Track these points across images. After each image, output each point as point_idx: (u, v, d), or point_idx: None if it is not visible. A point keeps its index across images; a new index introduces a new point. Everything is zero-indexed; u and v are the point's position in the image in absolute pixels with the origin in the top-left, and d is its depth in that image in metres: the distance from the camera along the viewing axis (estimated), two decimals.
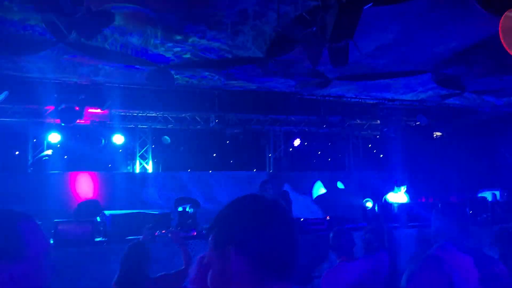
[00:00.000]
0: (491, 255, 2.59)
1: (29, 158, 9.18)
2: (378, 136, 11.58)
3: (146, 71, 6.86)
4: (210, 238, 1.12)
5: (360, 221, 7.36)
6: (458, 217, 2.58)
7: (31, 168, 9.12)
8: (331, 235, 3.68)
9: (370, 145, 11.98)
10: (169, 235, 4.20)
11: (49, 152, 8.88)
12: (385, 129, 10.40)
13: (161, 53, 6.16)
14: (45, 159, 8.78)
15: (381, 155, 11.90)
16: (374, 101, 9.72)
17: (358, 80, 7.81)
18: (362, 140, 11.64)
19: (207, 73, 7.28)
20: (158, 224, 6.17)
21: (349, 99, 9.70)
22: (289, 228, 1.09)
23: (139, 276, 3.62)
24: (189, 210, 6.75)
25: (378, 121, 10.63)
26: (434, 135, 11.53)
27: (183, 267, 3.81)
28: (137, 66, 6.75)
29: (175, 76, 7.15)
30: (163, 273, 3.74)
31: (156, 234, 4.33)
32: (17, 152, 9.47)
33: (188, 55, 6.32)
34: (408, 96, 9.38)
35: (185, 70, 7.04)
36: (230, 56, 6.24)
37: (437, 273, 2.34)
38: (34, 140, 9.29)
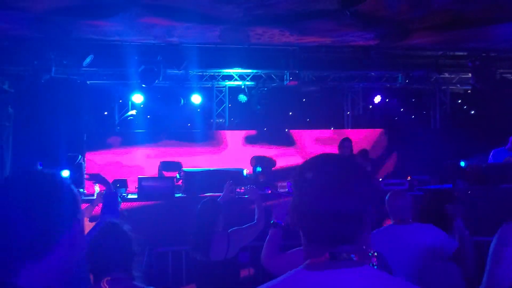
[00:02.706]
0: None
1: (116, 118, 9.78)
2: (469, 91, 10.66)
3: (218, 30, 6.85)
4: None
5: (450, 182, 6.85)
6: None
7: (118, 127, 9.72)
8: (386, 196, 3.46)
9: (460, 101, 11.08)
10: (248, 191, 4.35)
11: (134, 112, 9.37)
12: (478, 83, 9.51)
13: (231, 10, 6.09)
14: (130, 118, 9.29)
15: (472, 112, 10.99)
16: (464, 53, 8.88)
17: (444, 30, 7.14)
18: (450, 95, 10.78)
19: (278, 30, 7.09)
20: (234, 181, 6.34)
21: (434, 52, 8.97)
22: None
23: (212, 229, 3.76)
24: (259, 169, 6.83)
25: (469, 75, 9.75)
26: None
27: (255, 221, 3.92)
28: (209, 25, 6.75)
29: (248, 33, 7.07)
30: (235, 227, 3.84)
31: (237, 190, 4.49)
32: (106, 113, 10.11)
33: (259, 11, 6.18)
34: (503, 46, 8.44)
35: (257, 27, 6.92)
36: (301, 11, 5.99)
37: None
38: (120, 101, 9.84)
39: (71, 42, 7.46)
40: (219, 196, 4.51)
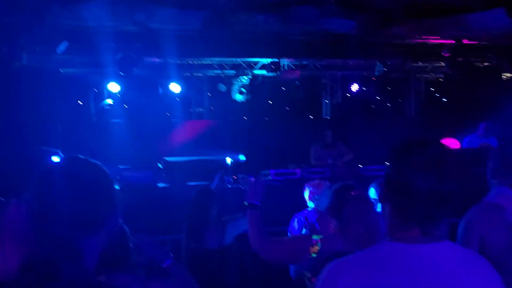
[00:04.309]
0: None
1: (91, 107, 9.50)
2: (441, 79, 10.91)
3: (201, 16, 6.73)
4: None
5: None
6: None
7: (95, 118, 9.45)
8: None
9: (433, 89, 11.33)
10: (239, 180, 4.31)
11: (110, 101, 9.12)
12: (450, 71, 9.76)
13: None
14: (107, 107, 9.05)
15: (444, 100, 11.27)
16: (440, 42, 9.08)
17: (424, 17, 7.26)
18: (424, 84, 11.02)
19: (262, 17, 7.04)
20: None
21: (411, 40, 9.13)
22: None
23: (207, 217, 3.74)
24: (242, 158, 6.84)
25: (443, 63, 9.98)
26: (504, 77, 10.71)
27: None
28: (192, 11, 6.63)
29: (231, 20, 6.99)
30: (230, 216, 3.83)
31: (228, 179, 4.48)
32: (80, 102, 9.79)
33: None
34: (478, 35, 8.67)
35: (241, 14, 6.84)
36: None
37: (497, 223, 2.20)
38: (95, 90, 9.55)
39: (44, 28, 7.15)
40: (211, 184, 4.47)
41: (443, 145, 1.28)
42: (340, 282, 1.17)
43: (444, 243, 1.24)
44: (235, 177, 4.42)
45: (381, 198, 1.31)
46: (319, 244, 2.26)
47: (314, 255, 2.22)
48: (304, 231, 4.05)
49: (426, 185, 1.19)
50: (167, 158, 7.12)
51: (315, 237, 2.31)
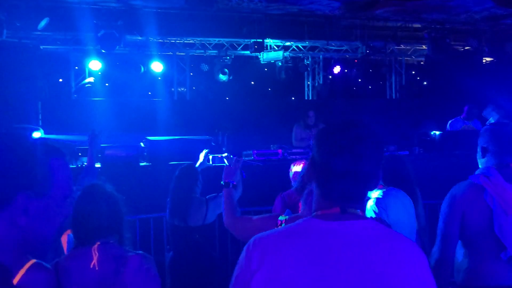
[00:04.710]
0: None
1: (72, 85, 9.36)
2: (422, 63, 11.05)
3: None
4: None
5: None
6: (508, 138, 2.31)
7: (75, 95, 9.32)
8: None
9: (413, 72, 11.48)
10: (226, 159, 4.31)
11: (91, 79, 9.00)
12: (433, 54, 9.87)
13: None
14: (88, 86, 8.92)
15: (425, 83, 11.44)
16: (422, 24, 9.16)
17: (408, 0, 7.31)
18: (405, 66, 11.15)
19: None
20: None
21: (394, 23, 9.19)
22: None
23: (190, 195, 3.77)
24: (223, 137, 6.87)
25: (423, 46, 10.09)
26: (484, 61, 10.89)
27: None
28: None
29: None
30: (213, 194, 3.85)
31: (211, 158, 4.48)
32: (60, 80, 9.63)
33: None
34: (461, 18, 8.77)
35: None
36: None
37: (477, 203, 2.22)
38: (76, 67, 9.40)
39: (25, 3, 6.98)
40: (195, 163, 4.49)
41: (365, 126, 1.30)
42: (254, 254, 1.22)
43: (366, 221, 1.26)
44: (220, 156, 4.43)
45: (307, 177, 1.34)
46: (283, 225, 2.23)
47: (258, 234, 2.26)
48: (286, 211, 4.12)
49: (341, 165, 1.23)
50: (150, 138, 7.09)
51: (281, 218, 2.30)
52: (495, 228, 2.14)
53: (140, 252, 2.30)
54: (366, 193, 1.32)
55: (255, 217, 2.52)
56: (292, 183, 4.32)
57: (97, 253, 2.21)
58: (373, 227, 1.25)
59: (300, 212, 2.46)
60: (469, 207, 2.25)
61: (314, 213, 1.28)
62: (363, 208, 1.30)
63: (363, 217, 1.26)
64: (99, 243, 2.21)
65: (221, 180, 2.74)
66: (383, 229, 1.27)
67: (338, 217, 1.23)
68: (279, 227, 2.15)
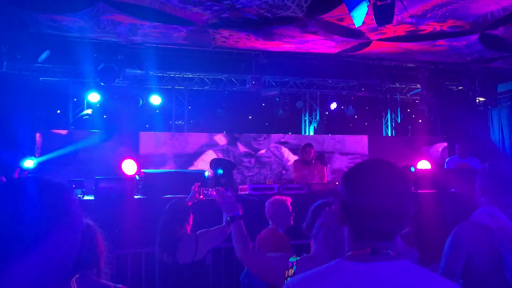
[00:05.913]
0: None
1: (70, 117, 9.42)
2: (417, 101, 11.19)
3: (185, 31, 6.79)
4: None
5: None
6: (507, 177, 2.23)
7: (72, 127, 9.37)
8: None
9: (408, 110, 11.62)
10: (215, 193, 4.25)
11: (89, 111, 9.06)
12: (426, 93, 10.03)
13: (200, 12, 6.07)
14: (85, 118, 8.98)
15: (420, 121, 11.53)
16: (416, 64, 9.36)
17: (402, 41, 7.49)
18: (401, 104, 11.31)
19: (245, 33, 7.15)
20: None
21: (389, 62, 9.38)
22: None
23: (180, 230, 3.72)
24: (220, 171, 6.83)
25: (419, 85, 10.26)
26: (477, 101, 11.05)
27: (224, 224, 3.77)
28: (176, 26, 6.69)
29: (214, 36, 7.07)
30: (203, 230, 3.81)
31: (202, 191, 4.42)
32: (58, 111, 9.70)
33: (226, 14, 6.21)
34: (453, 59, 8.97)
35: (223, 30, 6.93)
36: (269, 16, 6.07)
37: (484, 244, 2.12)
38: (75, 99, 9.48)
39: (27, 36, 7.10)
40: (186, 197, 4.46)
41: (392, 165, 1.33)
42: None
43: (398, 262, 1.25)
44: (211, 190, 4.39)
45: (340, 221, 1.36)
46: (294, 267, 2.24)
47: (289, 279, 2.22)
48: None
49: (370, 203, 1.26)
50: (145, 170, 7.08)
51: (291, 259, 2.29)
52: (505, 271, 2.05)
53: (120, 285, 2.27)
54: (397, 233, 1.32)
55: (267, 254, 2.50)
56: (270, 221, 4.13)
57: (75, 285, 2.20)
58: (407, 268, 1.24)
59: (311, 250, 2.42)
60: (475, 249, 2.15)
61: (345, 254, 1.31)
62: (395, 248, 1.30)
63: (395, 257, 1.26)
64: (77, 275, 2.21)
65: (227, 217, 2.70)
66: (418, 270, 1.25)
67: (369, 258, 1.25)
68: (290, 269, 2.20)
